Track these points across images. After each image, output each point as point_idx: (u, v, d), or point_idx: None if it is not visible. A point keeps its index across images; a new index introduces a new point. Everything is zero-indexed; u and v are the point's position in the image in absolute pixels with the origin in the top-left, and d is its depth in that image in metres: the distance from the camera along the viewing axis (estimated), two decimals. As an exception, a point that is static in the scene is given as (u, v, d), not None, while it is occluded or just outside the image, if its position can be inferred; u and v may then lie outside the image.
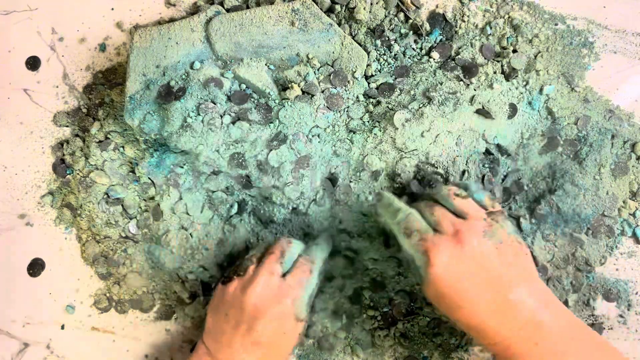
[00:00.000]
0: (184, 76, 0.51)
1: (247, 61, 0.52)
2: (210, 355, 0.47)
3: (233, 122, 0.51)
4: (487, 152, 0.53)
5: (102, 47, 0.59)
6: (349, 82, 0.53)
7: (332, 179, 0.53)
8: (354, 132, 0.53)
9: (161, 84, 0.51)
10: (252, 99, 0.52)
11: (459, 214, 0.43)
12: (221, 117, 0.51)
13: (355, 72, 0.53)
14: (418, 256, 0.42)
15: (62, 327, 0.59)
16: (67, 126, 0.59)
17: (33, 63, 0.59)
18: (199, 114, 0.51)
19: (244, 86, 0.53)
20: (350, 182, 0.52)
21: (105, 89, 0.58)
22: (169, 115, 0.51)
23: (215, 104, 0.51)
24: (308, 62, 0.52)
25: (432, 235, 0.42)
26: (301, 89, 0.52)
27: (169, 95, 0.51)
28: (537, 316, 0.40)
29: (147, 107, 0.51)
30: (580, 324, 0.42)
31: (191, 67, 0.52)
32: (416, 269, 0.43)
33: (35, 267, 0.59)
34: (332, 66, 0.53)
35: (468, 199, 0.44)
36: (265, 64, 0.53)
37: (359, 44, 0.54)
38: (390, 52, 0.54)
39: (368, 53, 0.54)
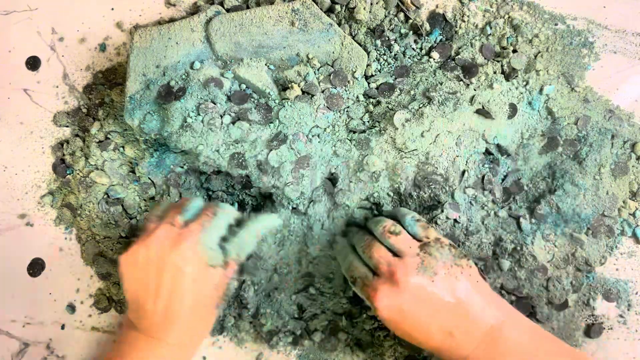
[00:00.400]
0: (184, 76, 0.51)
1: (247, 61, 0.52)
2: (133, 327, 0.46)
3: (233, 122, 0.51)
4: (487, 152, 0.53)
5: (102, 47, 0.59)
6: (349, 82, 0.53)
7: (332, 179, 0.53)
8: (354, 132, 0.53)
9: (161, 84, 0.51)
10: (252, 99, 0.52)
11: (394, 252, 0.45)
12: (221, 117, 0.51)
13: (355, 71, 0.53)
14: (366, 300, 0.45)
15: (62, 327, 0.59)
16: (67, 126, 0.59)
17: (33, 63, 0.59)
18: (199, 114, 0.51)
19: (244, 86, 0.53)
20: (350, 182, 0.52)
21: (105, 89, 0.58)
22: (169, 115, 0.51)
23: (215, 104, 0.51)
24: (308, 62, 0.53)
25: (372, 281, 0.44)
26: (301, 89, 0.52)
27: (169, 95, 0.51)
28: (494, 329, 0.43)
29: (147, 107, 0.51)
30: (538, 329, 0.45)
31: (191, 67, 0.52)
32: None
33: (35, 267, 0.59)
34: (332, 66, 0.53)
35: (401, 235, 0.46)
36: (265, 64, 0.53)
37: (359, 44, 0.54)
38: (390, 52, 0.54)
39: (368, 53, 0.54)
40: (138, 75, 0.51)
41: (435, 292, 0.43)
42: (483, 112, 0.52)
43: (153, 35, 0.52)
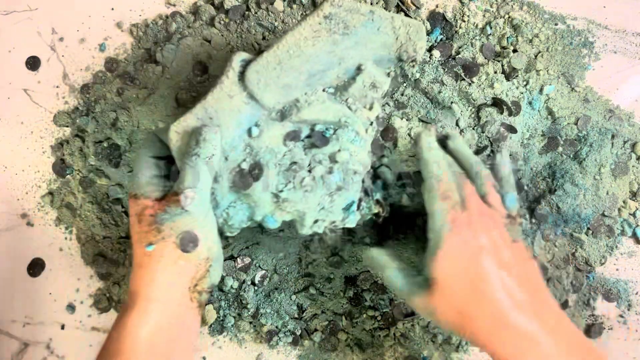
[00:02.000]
0: (248, 150, 0.43)
1: (304, 99, 0.44)
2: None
3: (330, 172, 0.44)
4: (491, 151, 0.53)
5: (102, 47, 0.59)
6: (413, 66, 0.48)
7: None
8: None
9: (230, 171, 0.43)
10: (334, 136, 0.45)
11: (484, 201, 0.42)
12: (310, 171, 0.44)
13: (416, 49, 0.45)
14: (442, 221, 0.40)
15: (62, 327, 0.59)
16: (67, 126, 0.59)
17: (33, 63, 0.59)
18: (288, 182, 0.43)
19: (318, 127, 0.45)
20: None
21: (102, 87, 0.58)
22: (255, 199, 0.44)
23: (296, 163, 0.44)
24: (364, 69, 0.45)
25: (462, 211, 0.40)
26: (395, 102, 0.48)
27: (244, 179, 0.43)
28: (536, 333, 0.38)
29: (225, 202, 0.44)
30: (582, 338, 0.41)
31: (250, 136, 0.43)
32: (421, 238, 0.42)
33: (35, 267, 0.59)
34: (399, 59, 0.46)
35: (499, 195, 0.43)
36: (324, 90, 0.45)
37: None
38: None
39: None
40: (202, 176, 0.42)
41: (508, 256, 0.40)
42: (499, 103, 0.51)
43: (190, 123, 0.42)
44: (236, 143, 0.43)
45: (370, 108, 0.46)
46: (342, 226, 0.47)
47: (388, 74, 0.46)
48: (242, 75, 0.42)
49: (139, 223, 0.41)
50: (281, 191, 0.43)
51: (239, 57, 0.42)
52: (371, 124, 0.46)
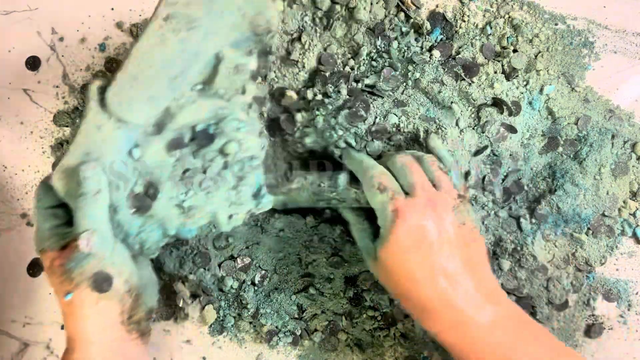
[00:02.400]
0: (137, 172, 0.42)
1: (175, 104, 0.42)
2: None
3: (225, 166, 0.44)
4: (493, 153, 0.53)
5: (102, 47, 0.59)
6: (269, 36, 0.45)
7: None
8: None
9: (126, 198, 0.42)
10: (217, 129, 0.44)
11: (432, 184, 0.43)
12: (205, 172, 0.44)
13: (267, 18, 0.43)
14: (385, 213, 0.42)
15: (62, 327, 0.59)
16: (67, 126, 0.59)
17: (33, 63, 0.59)
18: (188, 190, 0.44)
19: (199, 126, 0.44)
20: None
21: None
22: (160, 217, 0.44)
23: (189, 169, 0.44)
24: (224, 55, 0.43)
25: (404, 198, 0.42)
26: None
27: (143, 201, 0.43)
28: (465, 315, 0.41)
29: (133, 229, 0.43)
30: (527, 319, 0.43)
31: (132, 158, 0.42)
32: (369, 235, 0.44)
33: (35, 267, 0.59)
34: (256, 34, 0.44)
35: (446, 174, 0.44)
36: (191, 90, 0.43)
37: (358, 44, 0.53)
38: (388, 53, 0.54)
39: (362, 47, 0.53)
40: (94, 214, 0.41)
41: (455, 239, 0.41)
42: (499, 103, 0.51)
43: (70, 165, 0.41)
44: (123, 169, 0.42)
45: (243, 92, 0.44)
46: (258, 212, 0.47)
47: (250, 52, 0.44)
48: (103, 102, 0.40)
49: (52, 275, 0.41)
50: (184, 201, 0.43)
51: (95, 86, 0.40)
52: (250, 106, 0.45)
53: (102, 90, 0.40)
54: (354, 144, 0.49)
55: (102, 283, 0.40)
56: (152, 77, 0.40)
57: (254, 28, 0.43)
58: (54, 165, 0.59)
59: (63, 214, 0.43)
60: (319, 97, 0.53)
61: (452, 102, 0.51)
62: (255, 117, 0.46)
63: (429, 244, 0.41)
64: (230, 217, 0.46)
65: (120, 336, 0.42)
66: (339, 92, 0.52)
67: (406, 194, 0.43)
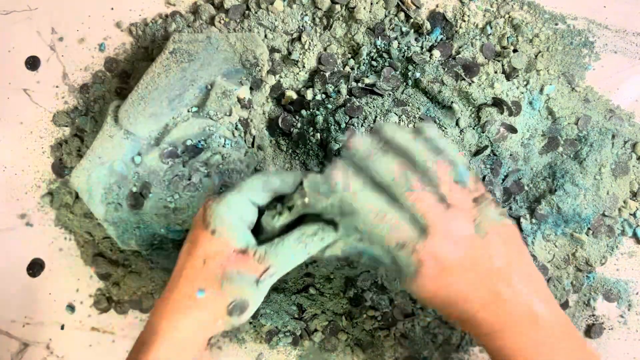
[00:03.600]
0: (136, 176, 0.50)
1: (172, 122, 0.51)
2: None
3: (207, 175, 0.50)
4: (493, 153, 0.53)
5: (102, 47, 0.59)
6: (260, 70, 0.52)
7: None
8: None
9: (125, 198, 0.50)
10: (205, 144, 0.51)
11: (440, 197, 0.38)
12: (190, 177, 0.50)
13: (257, 55, 0.51)
14: (410, 264, 0.37)
15: (62, 327, 0.59)
16: (66, 126, 0.59)
17: (33, 63, 0.59)
18: (176, 189, 0.50)
19: (189, 141, 0.51)
20: None
21: (101, 87, 0.58)
22: (151, 216, 0.50)
23: (177, 175, 0.50)
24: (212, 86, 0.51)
25: (423, 242, 0.37)
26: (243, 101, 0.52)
27: (137, 200, 0.50)
28: (532, 311, 0.38)
29: (132, 223, 0.50)
30: (567, 319, 0.40)
31: (134, 164, 0.50)
32: (399, 271, 0.39)
33: (35, 267, 0.59)
34: (243, 67, 0.52)
35: (455, 183, 0.38)
36: (188, 111, 0.51)
37: (357, 44, 0.53)
38: (388, 52, 0.54)
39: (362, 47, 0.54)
40: (100, 206, 0.50)
41: (486, 255, 0.37)
42: (499, 103, 0.51)
43: (86, 167, 0.50)
44: (124, 171, 0.50)
45: (229, 114, 0.52)
46: None
47: (241, 82, 0.52)
48: (115, 117, 0.50)
49: (203, 263, 0.38)
50: (171, 202, 0.50)
51: (113, 105, 0.51)
52: (236, 127, 0.52)
53: (117, 109, 0.50)
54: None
55: (237, 310, 0.38)
56: (155, 98, 0.50)
57: (243, 62, 0.52)
58: (54, 166, 0.59)
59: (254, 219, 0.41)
60: (319, 97, 0.53)
61: (452, 102, 0.51)
62: (239, 136, 0.53)
63: (462, 272, 0.37)
64: None
65: (199, 351, 0.40)
66: (339, 92, 0.53)
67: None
